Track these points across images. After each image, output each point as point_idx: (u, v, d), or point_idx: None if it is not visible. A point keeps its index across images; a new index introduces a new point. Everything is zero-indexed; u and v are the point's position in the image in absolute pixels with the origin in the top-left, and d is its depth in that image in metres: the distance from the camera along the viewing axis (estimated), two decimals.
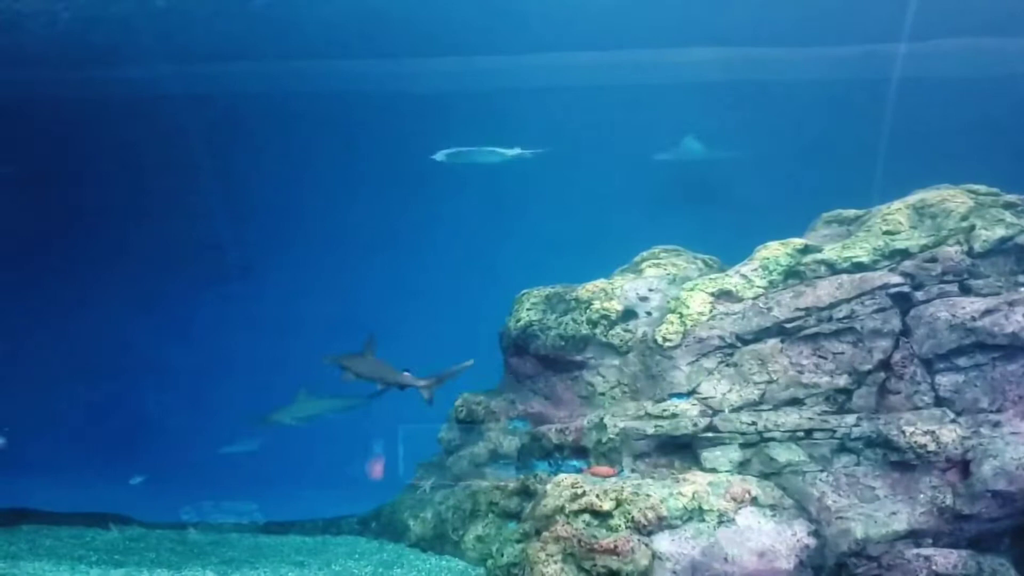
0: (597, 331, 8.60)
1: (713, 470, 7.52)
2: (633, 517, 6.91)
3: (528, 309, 9.19)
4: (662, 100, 13.47)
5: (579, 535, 6.89)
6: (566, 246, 13.81)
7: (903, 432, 7.20)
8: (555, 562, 6.87)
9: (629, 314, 8.66)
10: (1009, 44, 12.11)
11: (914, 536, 6.97)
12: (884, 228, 8.43)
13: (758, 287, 8.34)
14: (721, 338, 8.06)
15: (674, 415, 7.80)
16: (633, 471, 7.77)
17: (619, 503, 7.02)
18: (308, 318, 15.12)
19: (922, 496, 7.08)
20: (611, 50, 12.93)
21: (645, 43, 12.69)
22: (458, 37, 12.80)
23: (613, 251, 9.92)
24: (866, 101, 12.50)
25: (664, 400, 8.02)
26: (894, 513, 7.06)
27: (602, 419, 8.09)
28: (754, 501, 7.13)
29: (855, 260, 8.10)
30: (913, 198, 8.73)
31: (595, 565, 6.75)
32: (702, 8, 12.26)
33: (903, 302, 7.78)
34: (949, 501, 7.00)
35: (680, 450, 7.81)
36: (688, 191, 14.27)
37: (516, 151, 12.50)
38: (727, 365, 8.01)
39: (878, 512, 7.09)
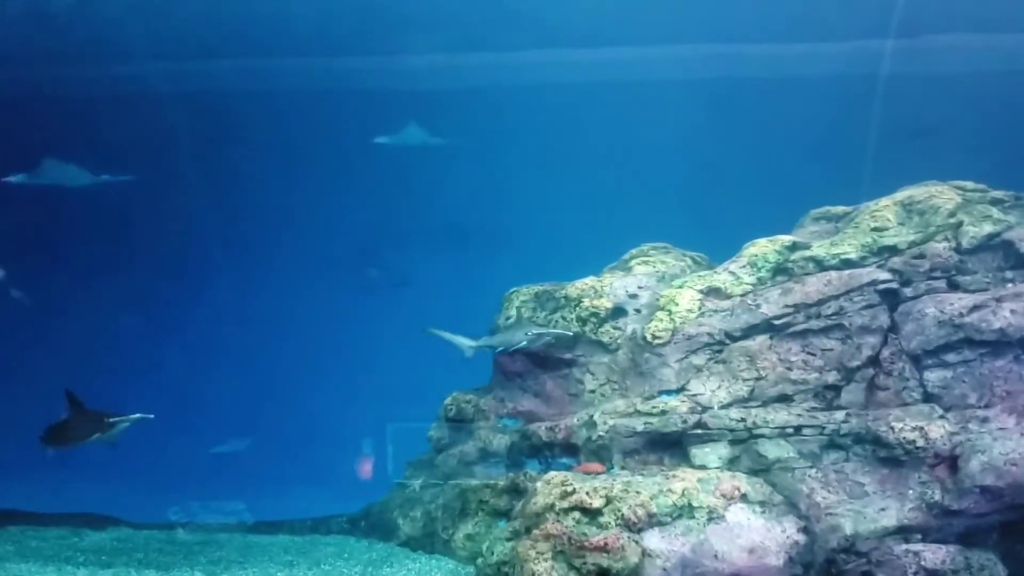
0: (586, 329, 8.60)
1: (703, 467, 7.51)
2: (623, 514, 6.90)
3: (517, 307, 9.18)
4: (652, 97, 13.46)
5: (569, 533, 6.87)
6: (556, 243, 13.79)
7: (892, 428, 7.20)
8: (545, 560, 6.85)
9: (618, 311, 8.65)
10: (998, 40, 12.15)
11: (903, 532, 6.98)
12: (872, 225, 8.43)
13: (746, 284, 8.33)
14: (710, 335, 8.06)
15: (663, 412, 7.79)
16: (623, 468, 7.76)
17: (609, 500, 7.00)
18: (302, 316, 15.08)
19: (911, 492, 7.09)
20: (604, 47, 12.92)
21: (635, 41, 12.68)
22: (450, 34, 12.77)
23: (603, 248, 9.91)
24: (854, 97, 12.53)
25: (653, 397, 8.01)
26: (883, 509, 7.08)
27: (592, 416, 8.08)
28: (744, 498, 7.11)
29: (843, 257, 8.10)
30: (901, 195, 8.75)
31: (585, 563, 6.73)
32: (693, 5, 12.26)
33: (891, 298, 7.80)
34: (938, 497, 7.01)
35: (670, 447, 7.80)
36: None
37: (104, 177, 12.07)
38: (716, 362, 8.00)
39: (867, 508, 7.10)
